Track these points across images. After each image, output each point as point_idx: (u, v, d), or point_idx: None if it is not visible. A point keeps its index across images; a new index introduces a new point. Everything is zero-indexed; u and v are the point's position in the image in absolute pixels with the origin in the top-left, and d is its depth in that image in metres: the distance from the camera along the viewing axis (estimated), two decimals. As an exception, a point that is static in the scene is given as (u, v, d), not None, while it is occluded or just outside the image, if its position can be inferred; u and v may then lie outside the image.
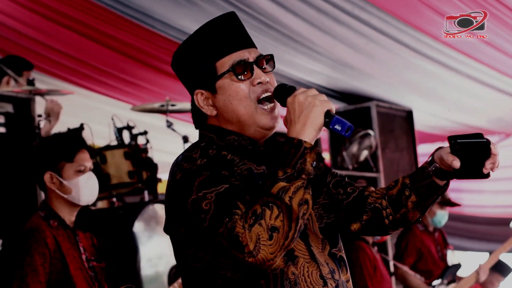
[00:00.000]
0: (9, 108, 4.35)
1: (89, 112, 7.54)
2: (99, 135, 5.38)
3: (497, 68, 6.51)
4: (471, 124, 8.23)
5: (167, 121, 5.73)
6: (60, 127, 5.33)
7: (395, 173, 7.66)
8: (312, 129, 1.95)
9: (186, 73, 2.20)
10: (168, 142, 7.11)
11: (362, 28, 5.80)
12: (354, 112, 7.40)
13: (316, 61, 6.61)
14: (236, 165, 2.07)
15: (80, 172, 3.56)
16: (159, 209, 5.03)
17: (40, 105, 4.66)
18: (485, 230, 8.99)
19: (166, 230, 2.10)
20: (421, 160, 8.25)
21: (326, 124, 1.97)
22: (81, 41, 6.51)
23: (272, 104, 2.13)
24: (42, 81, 6.68)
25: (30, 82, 4.95)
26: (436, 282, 6.13)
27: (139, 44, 6.52)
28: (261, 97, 2.11)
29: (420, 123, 8.06)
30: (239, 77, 2.11)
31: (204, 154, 2.04)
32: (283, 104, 2.06)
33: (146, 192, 5.28)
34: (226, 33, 2.15)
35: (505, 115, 7.93)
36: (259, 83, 2.12)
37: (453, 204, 6.43)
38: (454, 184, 8.97)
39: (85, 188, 3.56)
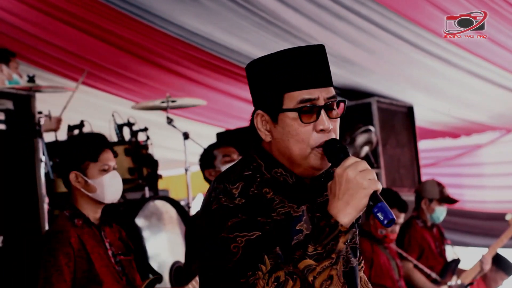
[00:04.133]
0: (9, 105, 4.34)
1: (89, 108, 7.54)
2: (100, 131, 5.38)
3: (498, 63, 6.50)
4: (472, 119, 8.22)
5: (168, 118, 5.73)
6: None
7: (396, 169, 7.66)
8: (353, 210, 1.90)
9: (255, 89, 2.11)
10: (168, 138, 7.11)
11: (363, 23, 5.79)
12: (355, 108, 7.39)
13: (316, 56, 6.58)
14: (274, 207, 2.02)
15: (105, 171, 3.66)
16: (160, 206, 5.03)
17: (40, 102, 4.66)
18: (485, 225, 8.99)
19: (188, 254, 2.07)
20: (422, 156, 8.25)
21: (369, 207, 1.91)
22: (81, 37, 6.50)
23: None
24: (43, 78, 6.67)
25: (31, 79, 4.95)
26: (451, 283, 6.12)
27: (139, 40, 6.51)
28: (319, 145, 2.02)
29: (421, 118, 8.06)
30: (304, 119, 2.01)
31: (244, 193, 1.98)
32: (330, 160, 2.00)
33: (146, 189, 5.29)
34: (304, 66, 2.02)
35: (506, 111, 7.92)
36: (321, 130, 2.01)
37: (452, 201, 6.41)
38: (455, 179, 8.89)
39: (110, 187, 3.66)
